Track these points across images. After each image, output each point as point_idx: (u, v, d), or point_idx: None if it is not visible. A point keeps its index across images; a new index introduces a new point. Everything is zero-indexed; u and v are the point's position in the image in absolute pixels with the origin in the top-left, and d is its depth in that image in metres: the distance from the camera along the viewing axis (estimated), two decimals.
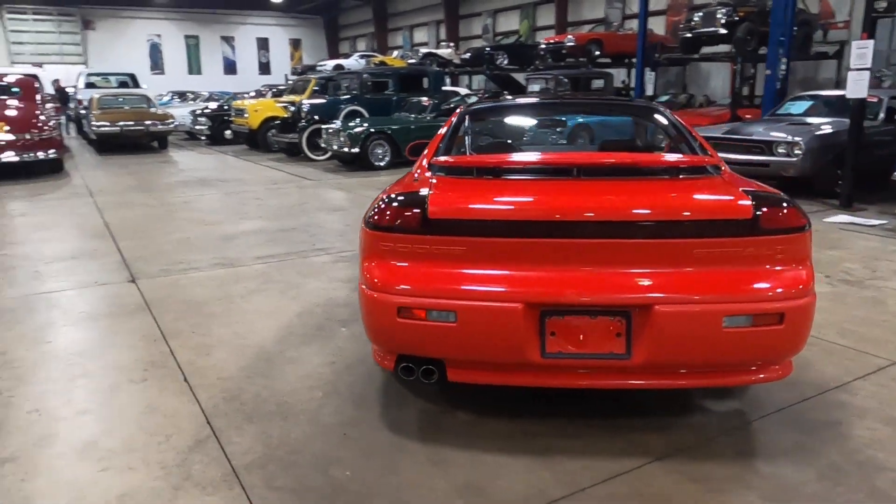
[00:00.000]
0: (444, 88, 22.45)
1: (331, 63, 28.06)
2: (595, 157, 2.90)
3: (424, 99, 12.55)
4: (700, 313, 2.32)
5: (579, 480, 2.38)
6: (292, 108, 13.57)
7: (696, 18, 15.99)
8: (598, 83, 17.07)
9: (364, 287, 2.54)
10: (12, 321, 4.09)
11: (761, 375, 2.51)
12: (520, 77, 20.74)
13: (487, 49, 22.15)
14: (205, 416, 2.87)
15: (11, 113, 10.90)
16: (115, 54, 34.09)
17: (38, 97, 11.52)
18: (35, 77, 12.22)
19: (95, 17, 34.41)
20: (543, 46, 19.62)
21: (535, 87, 16.87)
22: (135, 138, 14.93)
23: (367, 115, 13.22)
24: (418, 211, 2.45)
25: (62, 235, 6.58)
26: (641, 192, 2.54)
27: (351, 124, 11.46)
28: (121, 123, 14.55)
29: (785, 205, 2.45)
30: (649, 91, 19.20)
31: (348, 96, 13.68)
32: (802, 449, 2.57)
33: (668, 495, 2.29)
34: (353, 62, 27.54)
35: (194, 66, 37.25)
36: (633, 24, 19.15)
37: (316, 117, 13.06)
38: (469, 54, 22.92)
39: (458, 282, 2.41)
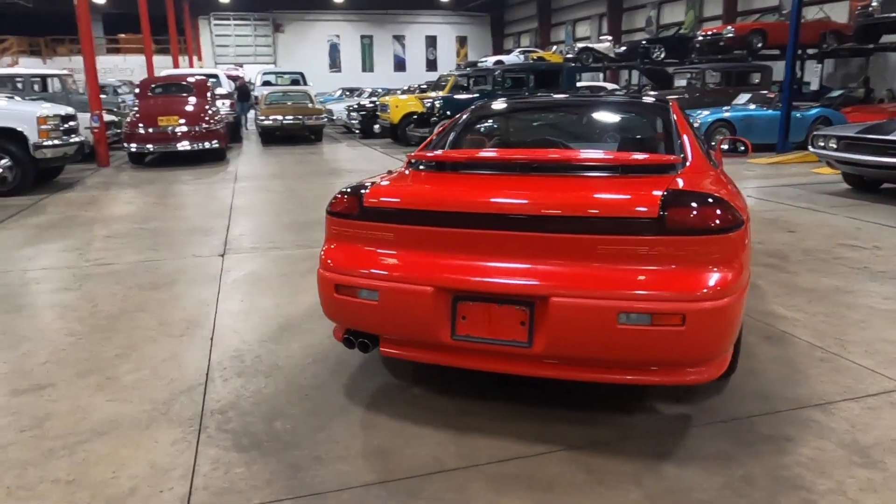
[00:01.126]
0: (596, 84, 22.08)
1: (492, 59, 28.63)
2: (543, 155, 2.97)
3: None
4: (594, 308, 2.36)
5: (478, 457, 2.53)
6: (428, 104, 14.21)
7: (874, 4, 14.35)
8: (754, 77, 15.88)
9: (319, 266, 2.87)
10: (110, 281, 4.95)
11: (689, 377, 2.48)
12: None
13: (643, 42, 21.39)
14: (207, 369, 3.37)
15: (188, 108, 12.61)
16: (300, 54, 37.39)
17: (208, 95, 13.17)
18: (207, 78, 13.94)
19: (285, 21, 37.91)
20: (700, 38, 18.58)
21: (682, 83, 16.10)
22: (293, 131, 16.47)
23: None
24: (356, 199, 2.73)
25: (192, 214, 7.63)
26: (564, 189, 2.61)
27: None
28: (281, 118, 16.14)
29: (699, 206, 2.39)
30: (814, 85, 17.49)
31: (480, 92, 14.04)
32: (724, 458, 2.50)
33: (553, 482, 2.37)
34: (513, 58, 27.88)
35: (367, 64, 39.72)
36: (809, 12, 17.54)
37: (448, 112, 13.59)
38: (624, 48, 22.28)
39: (382, 264, 2.65)
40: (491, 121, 3.95)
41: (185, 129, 12.27)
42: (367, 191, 2.74)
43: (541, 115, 4.15)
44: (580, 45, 26.64)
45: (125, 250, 5.89)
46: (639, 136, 3.60)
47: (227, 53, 37.03)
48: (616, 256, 2.40)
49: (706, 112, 13.21)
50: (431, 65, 40.05)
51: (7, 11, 32.49)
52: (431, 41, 40.54)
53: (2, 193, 8.77)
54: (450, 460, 2.51)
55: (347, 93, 30.07)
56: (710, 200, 2.43)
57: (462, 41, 41.19)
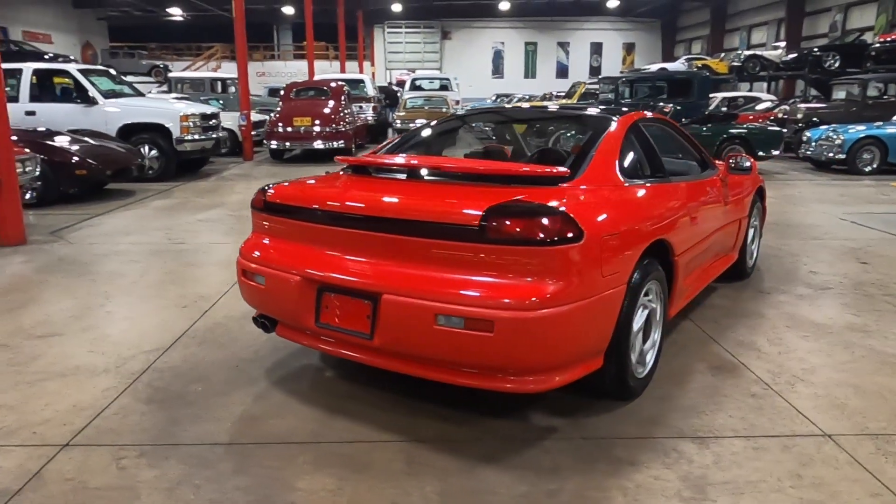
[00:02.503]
0: (750, 94, 20.54)
1: (654, 66, 27.64)
2: (432, 162, 3.07)
3: (666, 106, 12.01)
4: (415, 307, 2.48)
5: (327, 435, 2.75)
6: None
7: None
8: None
9: None
10: (171, 258, 5.73)
11: (508, 385, 2.52)
12: None
13: (815, 50, 19.52)
14: (180, 336, 3.89)
15: (321, 110, 13.76)
16: (464, 60, 38.61)
17: (343, 98, 14.24)
18: (345, 83, 15.01)
19: (452, 29, 39.32)
20: (877, 45, 16.64)
21: (840, 94, 14.55)
22: None
23: None
24: (263, 195, 3.07)
25: None
26: (424, 195, 2.74)
27: None
28: (415, 121, 16.93)
29: (521, 217, 2.42)
30: None
31: (605, 102, 13.76)
32: (550, 471, 2.49)
33: (369, 466, 2.53)
34: (678, 65, 26.76)
35: (530, 71, 40.01)
36: None
37: None
38: (793, 56, 20.49)
39: (270, 254, 2.96)
40: (442, 130, 4.08)
41: (317, 129, 13.40)
42: (273, 188, 3.07)
43: (491, 125, 4.18)
44: (748, 52, 24.89)
45: (204, 233, 6.74)
46: (558, 148, 3.55)
47: (397, 59, 39.22)
48: (445, 261, 2.51)
49: (858, 127, 11.88)
50: (595, 71, 39.33)
51: (214, 22, 37.07)
52: (597, 48, 39.87)
53: (148, 179, 10.25)
54: (301, 434, 2.77)
55: (500, 98, 30.59)
56: (537, 213, 2.45)
57: (629, 48, 40.04)
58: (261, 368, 3.44)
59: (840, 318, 4.19)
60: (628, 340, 2.84)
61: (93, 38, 35.38)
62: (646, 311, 3.01)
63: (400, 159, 3.19)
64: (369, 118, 17.59)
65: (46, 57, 23.26)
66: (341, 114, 13.78)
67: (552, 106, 5.78)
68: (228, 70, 38.00)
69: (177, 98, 12.74)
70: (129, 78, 16.44)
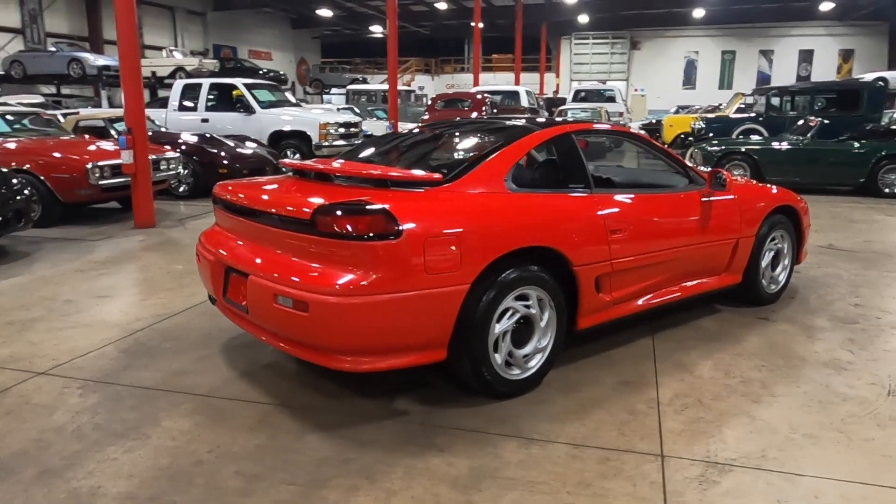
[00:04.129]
0: None
1: (871, 75, 24.62)
2: (333, 167, 3.39)
3: (812, 119, 10.86)
4: (264, 287, 2.90)
5: (219, 391, 3.27)
6: (693, 125, 13.51)
7: None
8: None
9: None
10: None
11: (332, 362, 2.85)
12: None
13: None
14: (192, 307, 4.67)
15: None
16: (654, 70, 37.34)
17: (483, 110, 14.80)
18: (486, 95, 15.55)
19: (642, 39, 38.15)
20: None
21: None
22: None
23: (766, 134, 12.19)
24: (213, 191, 3.68)
25: None
26: (303, 193, 3.13)
27: (714, 142, 11.02)
28: None
29: (342, 214, 2.72)
30: None
31: (748, 114, 12.78)
32: (355, 441, 2.78)
33: (225, 418, 3.00)
34: None
35: (725, 81, 37.47)
36: None
37: (711, 134, 12.77)
38: None
39: (210, 238, 3.55)
40: (397, 139, 4.34)
41: None
42: (219, 184, 3.66)
43: (434, 135, 4.32)
44: None
45: None
46: (459, 155, 3.66)
47: (583, 71, 38.96)
48: (290, 249, 2.91)
49: None
50: (804, 81, 35.80)
51: (411, 39, 39.82)
52: (806, 55, 36.22)
53: None
54: (202, 388, 3.32)
55: (683, 110, 29.18)
56: (356, 211, 2.74)
57: (846, 55, 35.82)
58: (226, 337, 4.06)
59: (825, 355, 3.82)
60: (483, 339, 2.99)
61: (307, 55, 39.84)
62: (516, 315, 3.12)
63: (311, 163, 3.56)
64: None
65: (261, 72, 26.75)
66: None
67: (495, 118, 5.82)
68: (421, 82, 40.57)
69: (324, 109, 14.17)
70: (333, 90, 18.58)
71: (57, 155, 7.59)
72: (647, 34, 37.80)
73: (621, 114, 21.03)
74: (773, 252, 4.67)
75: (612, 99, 21.81)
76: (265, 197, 3.20)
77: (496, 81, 38.70)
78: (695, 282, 4.18)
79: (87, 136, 8.96)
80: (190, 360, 3.69)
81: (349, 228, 2.73)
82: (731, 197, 4.26)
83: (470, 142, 3.92)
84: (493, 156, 3.30)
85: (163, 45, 26.99)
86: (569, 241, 3.28)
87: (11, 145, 7.74)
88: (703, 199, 4.09)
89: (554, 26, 36.24)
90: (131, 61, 7.25)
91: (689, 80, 38.02)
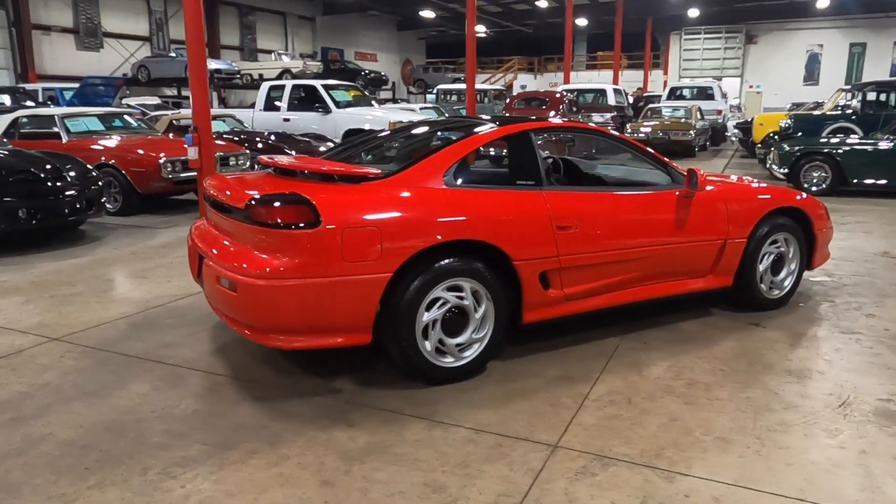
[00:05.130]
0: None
1: None
2: (292, 163, 3.60)
3: None
4: (211, 269, 3.22)
5: (191, 363, 3.64)
6: (782, 123, 12.75)
7: None
8: None
9: None
10: None
11: (257, 337, 3.13)
12: None
13: None
14: (199, 292, 5.11)
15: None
16: (771, 66, 35.22)
17: (560, 109, 14.69)
18: (561, 93, 15.40)
19: (759, 32, 36.04)
20: None
21: None
22: (658, 145, 16.59)
23: (859, 132, 11.31)
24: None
25: None
26: (261, 186, 3.40)
27: (793, 142, 10.38)
28: (649, 131, 16.48)
29: (267, 205, 2.98)
30: None
31: (842, 112, 11.88)
32: (279, 412, 3.04)
33: (180, 384, 3.36)
34: None
35: (853, 76, 34.62)
36: None
37: (800, 133, 12.02)
38: None
39: (197, 226, 3.93)
40: (377, 139, 4.51)
41: None
42: (208, 177, 4.04)
43: (401, 135, 4.40)
44: None
45: None
46: (414, 153, 3.76)
47: (693, 67, 37.33)
48: (235, 236, 3.22)
49: None
50: None
51: (514, 37, 39.87)
52: None
53: None
54: (175, 359, 3.70)
55: (795, 107, 27.33)
56: (279, 202, 2.99)
57: None
58: (206, 330, 4.45)
59: (797, 364, 3.65)
60: (410, 326, 3.16)
61: (412, 56, 40.85)
62: (447, 305, 3.26)
63: (275, 160, 3.77)
64: (609, 128, 17.62)
65: (363, 73, 27.79)
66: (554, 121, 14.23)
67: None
68: (523, 81, 40.46)
69: (401, 109, 14.57)
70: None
71: (139, 151, 8.44)
72: (765, 27, 35.63)
73: (720, 111, 20.07)
74: (775, 256, 4.46)
75: (710, 96, 20.83)
76: (227, 190, 3.53)
77: (600, 79, 37.94)
78: (673, 282, 4.11)
79: (170, 135, 9.85)
80: (180, 335, 4.10)
81: (274, 218, 2.99)
82: (715, 197, 4.14)
83: (429, 140, 4.07)
84: (434, 154, 3.46)
85: (275, 48, 28.73)
86: (506, 235, 3.37)
87: (103, 142, 8.69)
88: (681, 199, 4.01)
89: (661, 21, 34.99)
90: (199, 67, 7.92)
91: (812, 75, 35.48)
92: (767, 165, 11.00)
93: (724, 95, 22.06)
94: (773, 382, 3.40)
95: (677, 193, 4.01)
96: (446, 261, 3.21)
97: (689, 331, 4.15)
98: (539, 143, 3.76)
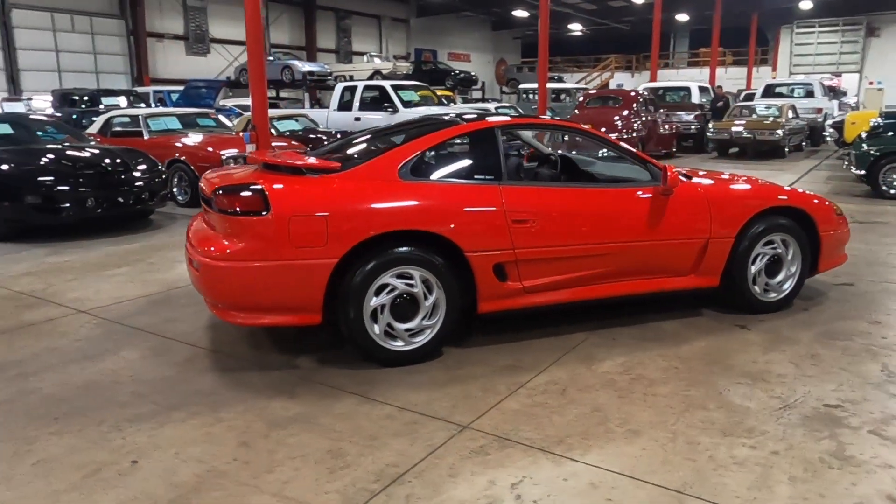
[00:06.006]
0: None
1: None
2: (268, 158, 3.87)
3: None
4: (187, 253, 3.60)
5: (184, 336, 4.04)
6: (872, 122, 11.88)
7: None
8: None
9: None
10: None
11: (221, 314, 3.46)
12: None
13: None
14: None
15: (611, 119, 14.21)
16: (894, 61, 32.51)
17: (634, 106, 14.38)
18: (636, 92, 15.02)
19: (882, 24, 33.39)
20: None
21: None
22: (743, 144, 15.84)
23: None
24: None
25: None
26: (235, 179, 3.73)
27: (873, 142, 9.69)
28: (737, 130, 15.72)
29: (223, 194, 3.30)
30: None
31: None
32: (236, 383, 3.35)
33: (165, 354, 3.75)
34: None
35: None
36: None
37: (890, 133, 11.17)
38: None
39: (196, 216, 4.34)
40: (359, 136, 4.68)
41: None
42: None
43: (382, 133, 4.55)
44: None
45: None
46: (379, 148, 3.89)
47: (805, 63, 35.09)
48: (212, 223, 3.57)
49: None
50: None
51: (609, 35, 39.00)
52: None
53: None
54: (173, 332, 4.11)
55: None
56: (234, 191, 3.29)
57: None
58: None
59: (761, 367, 3.57)
60: (358, 310, 3.38)
61: (507, 56, 40.93)
62: (395, 291, 3.45)
63: (257, 156, 4.10)
64: (692, 127, 17.01)
65: (453, 73, 28.21)
66: (626, 123, 13.97)
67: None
68: (620, 79, 39.53)
69: (471, 108, 14.75)
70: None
71: (209, 149, 9.16)
72: (889, 18, 32.91)
73: (819, 110, 18.85)
74: (771, 257, 4.31)
75: (810, 94, 19.59)
76: (209, 183, 3.89)
77: (702, 77, 36.41)
78: (649, 280, 4.08)
79: (239, 133, 10.58)
80: (186, 313, 4.53)
81: (232, 206, 3.31)
82: (695, 194, 4.07)
83: (397, 136, 4.24)
84: (393, 149, 3.67)
85: (369, 50, 29.76)
86: (457, 228, 3.51)
87: (178, 140, 9.49)
88: (656, 196, 3.98)
89: (770, 15, 33.12)
90: (258, 69, 8.51)
91: None
92: (844, 166, 10.33)
93: (830, 92, 20.68)
94: (724, 383, 3.34)
95: (651, 190, 3.99)
96: (395, 250, 3.41)
97: (666, 330, 4.11)
98: (504, 139, 3.87)
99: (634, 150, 4.22)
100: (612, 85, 39.06)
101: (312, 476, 2.54)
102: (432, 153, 3.93)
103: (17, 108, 17.23)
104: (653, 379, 3.39)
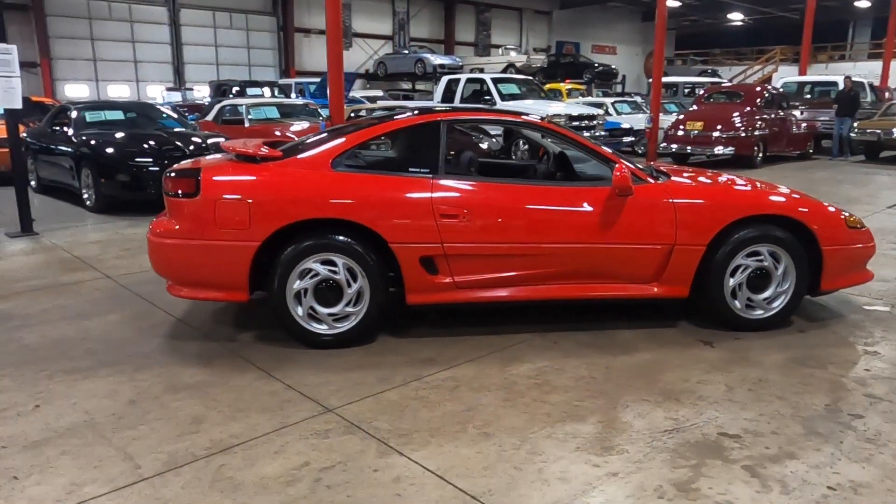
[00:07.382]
0: None
1: None
2: (233, 146, 4.08)
3: None
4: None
5: (186, 318, 4.48)
6: None
7: None
8: None
9: None
10: None
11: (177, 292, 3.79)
12: None
13: None
14: None
15: (718, 115, 13.19)
16: None
17: (756, 104, 13.23)
18: (762, 86, 13.75)
19: None
20: None
21: None
22: (878, 146, 14.00)
23: None
24: None
25: None
26: (191, 165, 4.04)
27: None
28: (879, 130, 13.96)
29: (168, 178, 3.62)
30: None
31: None
32: (206, 364, 3.68)
33: (155, 330, 4.19)
34: None
35: None
36: None
37: None
38: None
39: None
40: (338, 127, 4.74)
41: (715, 134, 12.99)
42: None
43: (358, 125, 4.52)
44: None
45: None
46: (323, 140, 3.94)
47: None
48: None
49: None
50: None
51: (777, 25, 35.81)
52: None
53: None
54: (177, 311, 4.56)
55: None
56: (176, 176, 3.60)
57: None
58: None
59: (686, 385, 3.29)
60: (281, 291, 3.58)
61: None
62: (317, 276, 3.60)
63: (234, 144, 4.33)
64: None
65: (593, 66, 27.53)
66: (746, 120, 12.90)
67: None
68: (785, 73, 36.32)
69: (573, 103, 14.30)
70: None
71: (294, 137, 9.82)
72: None
73: None
74: (757, 271, 3.90)
75: None
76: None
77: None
78: (605, 285, 3.88)
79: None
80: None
81: (174, 189, 3.65)
82: (658, 198, 3.80)
83: (349, 128, 4.30)
84: (329, 141, 3.81)
85: (509, 43, 29.80)
86: (382, 219, 3.58)
87: (272, 128, 10.27)
88: (611, 196, 3.76)
89: None
90: (336, 62, 8.95)
91: None
92: None
93: None
94: (628, 398, 3.14)
95: (606, 191, 3.78)
96: (321, 237, 3.56)
97: (619, 339, 3.89)
98: (446, 133, 3.85)
99: (591, 144, 4.00)
100: (776, 79, 35.92)
101: (161, 437, 2.78)
102: (372, 146, 4.02)
103: (175, 97, 19.43)
104: (556, 386, 3.26)
